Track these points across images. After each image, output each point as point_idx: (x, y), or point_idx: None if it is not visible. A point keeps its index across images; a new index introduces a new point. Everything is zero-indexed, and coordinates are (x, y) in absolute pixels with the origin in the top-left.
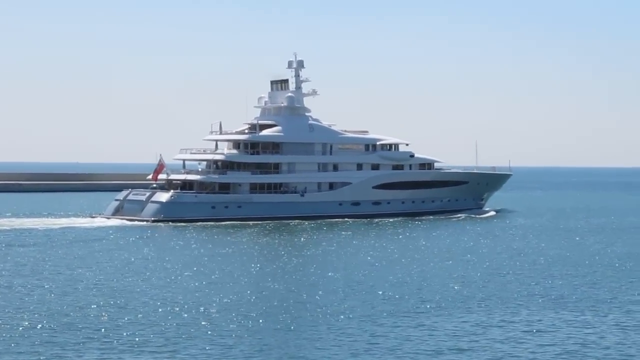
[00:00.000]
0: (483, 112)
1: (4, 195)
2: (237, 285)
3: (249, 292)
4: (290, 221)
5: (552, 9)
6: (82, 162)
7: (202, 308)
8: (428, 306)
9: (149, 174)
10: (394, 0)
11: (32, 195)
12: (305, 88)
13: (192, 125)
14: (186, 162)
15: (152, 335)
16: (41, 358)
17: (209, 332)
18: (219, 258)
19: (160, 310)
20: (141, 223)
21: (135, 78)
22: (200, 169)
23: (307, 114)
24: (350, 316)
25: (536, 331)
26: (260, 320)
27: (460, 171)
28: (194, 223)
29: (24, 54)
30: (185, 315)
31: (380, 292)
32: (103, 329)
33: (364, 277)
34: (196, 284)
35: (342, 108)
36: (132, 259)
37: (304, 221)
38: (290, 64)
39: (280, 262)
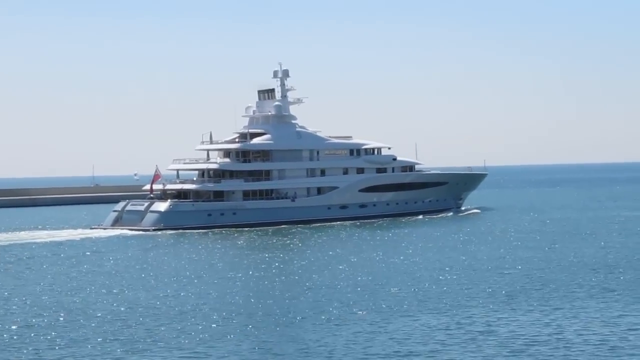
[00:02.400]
0: (453, 113)
1: None
2: (238, 287)
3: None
4: (283, 226)
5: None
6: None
7: (204, 310)
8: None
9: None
10: (367, 9)
11: None
12: (291, 96)
13: (182, 136)
14: (180, 172)
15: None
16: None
17: (205, 335)
18: (223, 264)
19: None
20: (142, 232)
21: (120, 90)
22: (195, 178)
23: (293, 121)
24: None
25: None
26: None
27: (439, 172)
28: (192, 231)
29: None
30: (189, 317)
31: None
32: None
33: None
34: (202, 288)
35: (324, 114)
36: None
37: (295, 225)
38: (275, 74)
39: (275, 265)
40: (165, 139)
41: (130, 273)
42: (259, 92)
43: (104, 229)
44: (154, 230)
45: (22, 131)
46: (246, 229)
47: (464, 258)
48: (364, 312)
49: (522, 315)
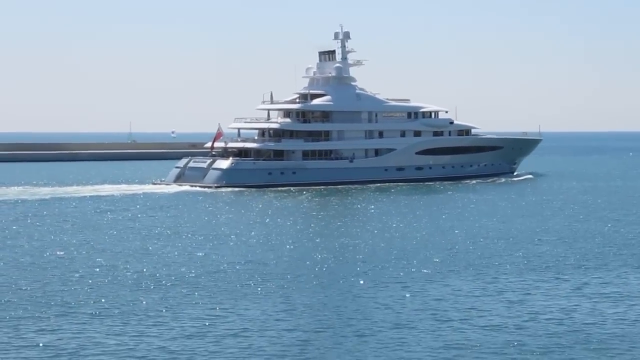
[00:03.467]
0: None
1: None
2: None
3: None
4: (340, 186)
5: None
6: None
7: (262, 265)
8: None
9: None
10: None
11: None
12: (351, 58)
13: (245, 95)
14: (241, 131)
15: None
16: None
17: (262, 290)
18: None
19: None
20: (204, 189)
21: (184, 50)
22: (255, 137)
23: (353, 83)
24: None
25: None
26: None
27: (495, 137)
28: (252, 189)
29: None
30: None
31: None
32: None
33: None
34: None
35: (383, 77)
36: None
37: (352, 186)
38: (336, 36)
39: (322, 225)
40: (223, 99)
41: (183, 228)
42: (320, 53)
43: (167, 184)
44: (216, 187)
45: (63, 88)
46: (304, 188)
47: (506, 224)
48: (400, 275)
49: (558, 285)
